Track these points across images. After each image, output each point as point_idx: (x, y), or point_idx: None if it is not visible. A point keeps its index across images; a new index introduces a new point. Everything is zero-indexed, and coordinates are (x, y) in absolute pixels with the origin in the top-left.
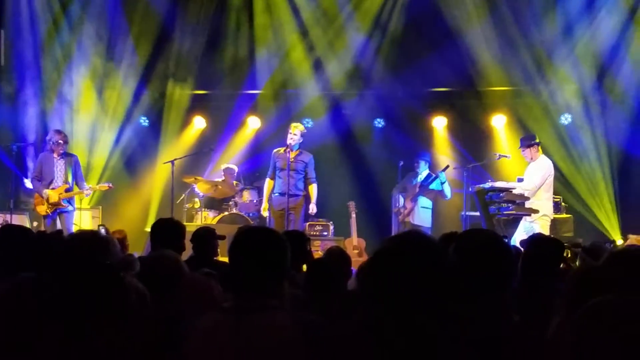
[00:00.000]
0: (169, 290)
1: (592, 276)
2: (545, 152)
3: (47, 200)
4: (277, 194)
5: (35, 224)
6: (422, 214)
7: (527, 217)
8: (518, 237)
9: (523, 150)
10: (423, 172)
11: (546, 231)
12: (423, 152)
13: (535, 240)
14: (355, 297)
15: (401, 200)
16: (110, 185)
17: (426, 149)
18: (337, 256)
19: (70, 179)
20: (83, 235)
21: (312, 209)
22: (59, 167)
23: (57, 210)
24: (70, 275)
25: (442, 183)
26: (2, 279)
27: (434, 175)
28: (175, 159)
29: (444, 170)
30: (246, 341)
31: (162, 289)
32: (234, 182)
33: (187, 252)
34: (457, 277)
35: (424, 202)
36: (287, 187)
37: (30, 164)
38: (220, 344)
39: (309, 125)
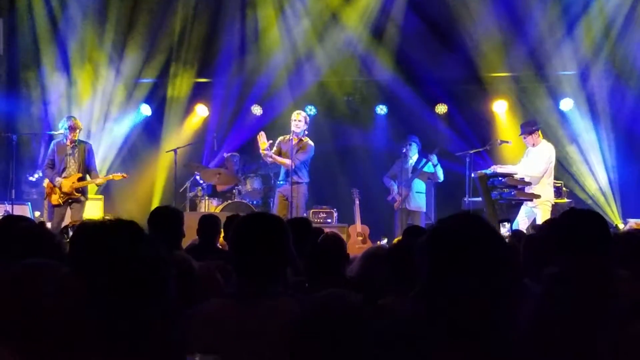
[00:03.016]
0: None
1: None
2: (546, 137)
3: (60, 188)
4: (280, 182)
5: (37, 214)
6: (417, 199)
7: (529, 202)
8: (520, 221)
9: (525, 137)
10: (414, 155)
11: (547, 216)
12: (412, 135)
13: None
14: (354, 283)
15: (394, 187)
16: (125, 175)
17: (429, 135)
18: (332, 242)
19: (83, 168)
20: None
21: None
22: (71, 155)
23: (70, 200)
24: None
25: (435, 165)
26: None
27: (424, 160)
28: (178, 148)
29: (435, 152)
30: (249, 326)
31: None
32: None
33: (188, 239)
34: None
35: (418, 186)
36: (291, 174)
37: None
38: (224, 329)
39: (312, 113)
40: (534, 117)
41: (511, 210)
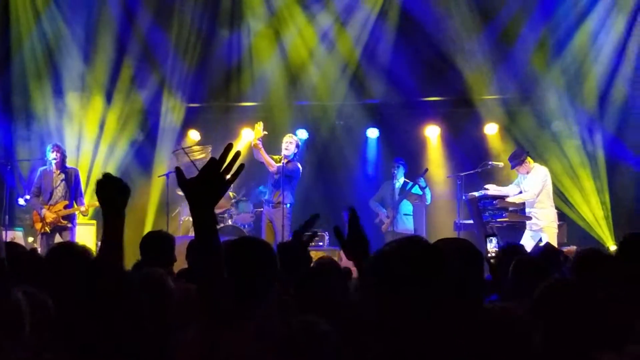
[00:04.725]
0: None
1: None
2: (538, 160)
3: (44, 219)
4: (269, 205)
5: (30, 239)
6: (405, 221)
7: (533, 226)
8: (526, 245)
9: (517, 170)
10: (400, 178)
11: (554, 240)
12: (398, 157)
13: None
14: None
15: (382, 209)
16: None
17: (420, 158)
18: (327, 266)
19: (69, 195)
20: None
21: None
22: (58, 182)
23: (57, 227)
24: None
25: (423, 188)
26: None
27: (411, 183)
28: (169, 172)
29: (422, 174)
30: (236, 349)
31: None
32: (230, 193)
33: (180, 264)
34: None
35: (406, 208)
36: (282, 197)
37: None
38: (210, 351)
39: (304, 137)
40: (520, 144)
41: (506, 233)
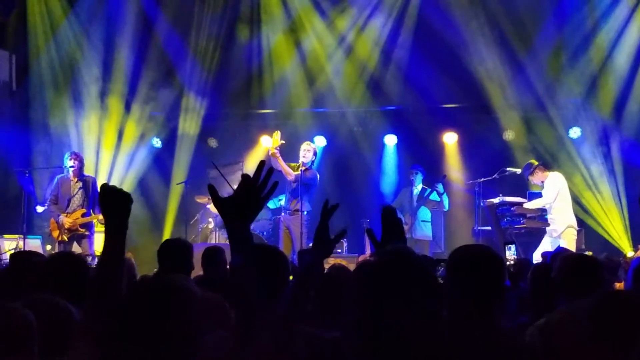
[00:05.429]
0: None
1: None
2: (553, 168)
3: (62, 226)
4: (286, 212)
5: (49, 247)
6: (423, 228)
7: (553, 233)
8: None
9: (532, 180)
10: (418, 184)
11: (573, 245)
12: (416, 164)
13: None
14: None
15: (400, 216)
16: None
17: (438, 165)
18: (338, 272)
19: (87, 203)
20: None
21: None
22: (76, 190)
23: (74, 235)
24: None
25: (441, 194)
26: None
27: (429, 190)
28: (188, 180)
29: (441, 181)
30: (252, 358)
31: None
32: None
33: (197, 272)
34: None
35: (424, 215)
36: (301, 204)
37: (38, 190)
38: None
39: (323, 145)
40: (537, 151)
41: (532, 239)
